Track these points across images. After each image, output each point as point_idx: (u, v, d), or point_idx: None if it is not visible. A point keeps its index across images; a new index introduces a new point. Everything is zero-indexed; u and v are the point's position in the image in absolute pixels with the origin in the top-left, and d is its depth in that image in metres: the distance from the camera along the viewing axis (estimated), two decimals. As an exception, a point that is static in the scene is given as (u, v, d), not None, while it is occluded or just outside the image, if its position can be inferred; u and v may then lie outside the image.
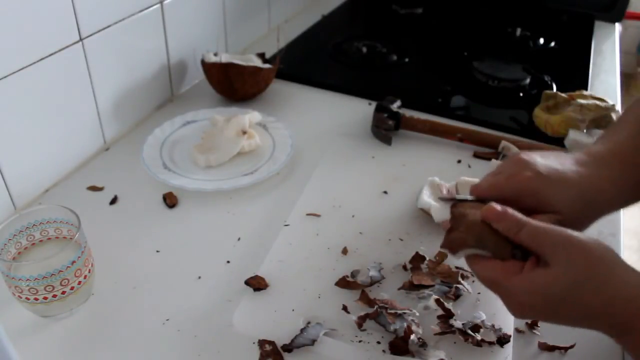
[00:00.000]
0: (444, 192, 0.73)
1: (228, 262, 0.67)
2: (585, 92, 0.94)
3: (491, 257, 0.48)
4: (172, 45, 0.95)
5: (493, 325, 0.58)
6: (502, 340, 0.56)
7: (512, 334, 0.57)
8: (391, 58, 1.17)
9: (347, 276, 0.64)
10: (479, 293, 0.62)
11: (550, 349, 0.57)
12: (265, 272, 0.64)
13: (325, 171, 0.82)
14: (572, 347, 0.57)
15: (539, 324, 0.59)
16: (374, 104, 0.93)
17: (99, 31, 0.78)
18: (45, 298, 0.55)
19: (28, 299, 0.55)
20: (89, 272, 0.58)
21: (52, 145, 0.76)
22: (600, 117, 0.88)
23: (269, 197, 0.77)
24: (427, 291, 0.62)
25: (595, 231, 0.72)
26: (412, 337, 0.55)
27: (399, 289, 0.62)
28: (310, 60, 1.17)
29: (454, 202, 0.53)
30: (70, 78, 0.76)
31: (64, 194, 0.77)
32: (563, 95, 0.93)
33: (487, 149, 0.88)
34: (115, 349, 0.56)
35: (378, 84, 1.08)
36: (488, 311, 0.59)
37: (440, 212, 0.69)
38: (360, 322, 0.58)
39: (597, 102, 0.90)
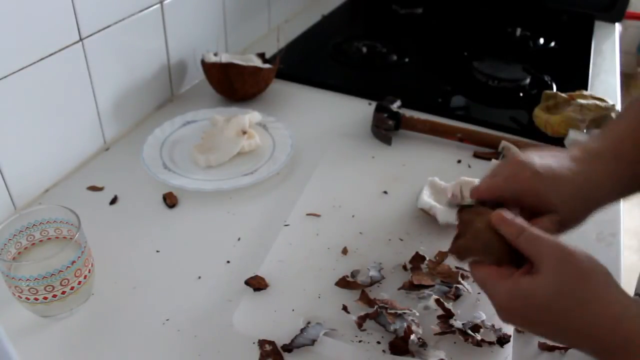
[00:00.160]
0: (449, 196, 0.73)
1: (228, 262, 0.67)
2: (585, 92, 0.94)
3: (494, 262, 0.48)
4: (172, 45, 0.95)
5: (493, 325, 0.58)
6: (502, 340, 0.56)
7: (512, 334, 0.57)
8: (391, 58, 1.17)
9: (347, 276, 0.64)
10: (479, 293, 0.62)
11: (550, 349, 0.57)
12: (265, 272, 0.64)
13: (325, 171, 0.82)
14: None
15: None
16: (374, 104, 0.93)
17: (99, 31, 0.78)
18: (45, 298, 0.55)
19: (28, 299, 0.55)
20: (89, 272, 0.58)
21: (52, 145, 0.76)
22: (600, 117, 0.88)
23: (269, 197, 0.77)
24: (427, 291, 0.62)
25: (595, 231, 0.72)
26: (412, 337, 0.55)
27: (399, 289, 0.62)
28: (310, 60, 1.17)
29: (460, 208, 0.53)
30: (70, 78, 0.76)
31: (64, 194, 0.77)
32: (563, 95, 0.93)
33: (487, 149, 0.88)
34: (115, 349, 0.56)
35: (378, 84, 1.08)
36: (488, 311, 0.59)
37: (446, 215, 0.69)
38: (360, 322, 0.58)
39: (597, 102, 0.90)
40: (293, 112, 0.97)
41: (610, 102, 0.90)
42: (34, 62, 0.69)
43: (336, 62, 1.16)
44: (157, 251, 0.68)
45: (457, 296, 0.61)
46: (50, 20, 0.70)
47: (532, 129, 0.93)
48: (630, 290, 0.62)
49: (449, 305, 0.59)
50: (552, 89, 1.04)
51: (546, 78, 1.08)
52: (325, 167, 0.83)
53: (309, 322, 0.58)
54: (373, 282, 0.63)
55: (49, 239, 0.61)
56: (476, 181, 0.68)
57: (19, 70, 0.67)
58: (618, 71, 1.20)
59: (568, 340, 0.45)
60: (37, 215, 0.60)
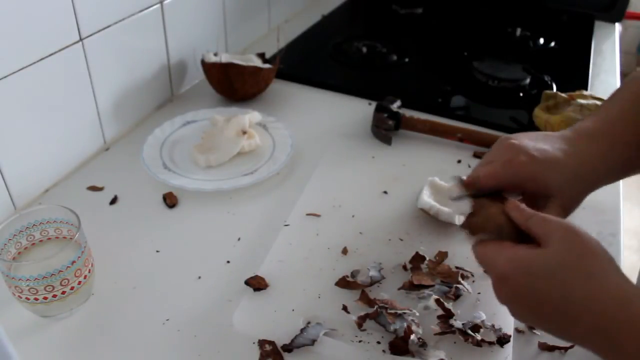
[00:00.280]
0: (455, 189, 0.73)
1: (228, 262, 0.67)
2: (585, 92, 0.94)
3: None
4: (172, 45, 0.95)
5: (493, 325, 0.58)
6: (502, 340, 0.56)
7: (512, 334, 0.57)
8: (391, 58, 1.17)
9: (347, 276, 0.64)
10: (479, 293, 0.62)
11: (550, 349, 0.57)
12: (265, 272, 0.64)
13: (325, 171, 0.82)
14: (572, 347, 0.56)
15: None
16: (374, 104, 0.93)
17: (99, 31, 0.78)
18: (45, 298, 0.55)
19: (28, 299, 0.55)
20: (89, 272, 0.58)
21: (52, 145, 0.76)
22: (600, 117, 0.88)
23: (269, 197, 0.77)
24: (427, 291, 0.62)
25: (595, 231, 0.72)
26: (412, 337, 0.55)
27: (399, 289, 0.62)
28: (310, 60, 1.17)
29: (472, 194, 0.53)
30: (70, 78, 0.76)
31: (64, 194, 0.77)
32: (563, 95, 0.93)
33: (487, 149, 0.87)
34: (115, 349, 0.56)
35: (378, 84, 1.08)
36: (488, 311, 0.59)
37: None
38: (360, 322, 0.58)
39: (597, 102, 0.90)
40: (293, 112, 0.97)
41: (610, 102, 0.90)
42: (34, 62, 0.69)
43: (336, 62, 1.16)
44: (157, 251, 0.68)
45: (457, 296, 0.61)
46: (50, 20, 0.70)
47: (532, 129, 0.92)
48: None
49: (449, 305, 0.59)
50: (552, 89, 1.04)
51: (546, 78, 1.08)
52: (325, 167, 0.83)
53: (309, 322, 0.58)
54: (373, 282, 0.63)
55: (49, 239, 0.61)
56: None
57: (19, 70, 0.67)
58: (618, 71, 1.20)
59: (566, 318, 0.42)
60: (37, 215, 0.60)
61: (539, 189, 0.51)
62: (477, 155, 0.87)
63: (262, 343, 0.56)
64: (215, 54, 0.97)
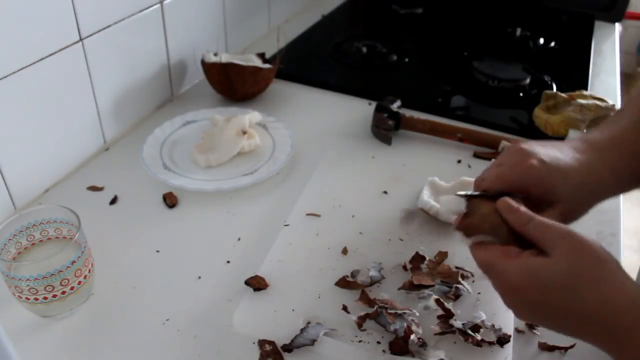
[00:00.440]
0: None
1: (228, 262, 0.67)
2: (585, 92, 0.94)
3: (500, 243, 0.48)
4: (172, 45, 0.95)
5: (493, 325, 0.58)
6: (502, 340, 0.56)
7: (512, 334, 0.57)
8: (391, 58, 1.17)
9: (347, 276, 0.64)
10: (479, 293, 0.62)
11: (550, 349, 0.57)
12: (265, 272, 0.64)
13: (325, 171, 0.82)
14: (572, 347, 0.56)
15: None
16: (374, 104, 0.93)
17: (99, 31, 0.78)
18: (45, 298, 0.55)
19: (28, 299, 0.55)
20: (89, 272, 0.58)
21: (52, 145, 0.76)
22: (600, 117, 0.88)
23: (269, 197, 0.77)
24: (427, 291, 0.61)
25: (595, 231, 0.72)
26: (412, 337, 0.55)
27: (399, 289, 0.62)
28: (310, 60, 1.17)
29: (469, 196, 0.54)
30: (70, 78, 0.76)
31: (64, 194, 0.77)
32: (563, 95, 0.93)
33: (487, 149, 0.88)
34: (115, 349, 0.56)
35: (378, 84, 1.08)
36: (488, 311, 0.59)
37: (449, 205, 0.69)
38: (360, 322, 0.58)
39: (597, 102, 0.90)
40: (293, 112, 0.97)
41: (610, 102, 0.90)
42: (34, 62, 0.69)
43: (336, 62, 1.16)
44: (157, 251, 0.68)
45: (457, 296, 0.61)
46: (50, 20, 0.70)
47: (532, 129, 0.93)
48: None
49: (449, 305, 0.59)
50: (552, 89, 1.04)
51: (546, 78, 1.08)
52: (325, 167, 0.83)
53: (309, 322, 0.58)
54: (373, 282, 0.63)
55: (49, 239, 0.61)
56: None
57: (19, 70, 0.67)
58: (618, 71, 1.20)
59: (575, 323, 0.44)
60: (37, 215, 0.60)
61: (545, 194, 0.50)
62: (477, 155, 0.87)
63: (262, 343, 0.56)
64: (215, 54, 0.97)
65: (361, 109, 0.98)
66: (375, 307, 0.59)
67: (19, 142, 0.71)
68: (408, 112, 0.93)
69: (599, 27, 1.37)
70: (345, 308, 0.60)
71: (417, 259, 0.65)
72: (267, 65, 0.96)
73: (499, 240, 0.49)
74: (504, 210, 0.48)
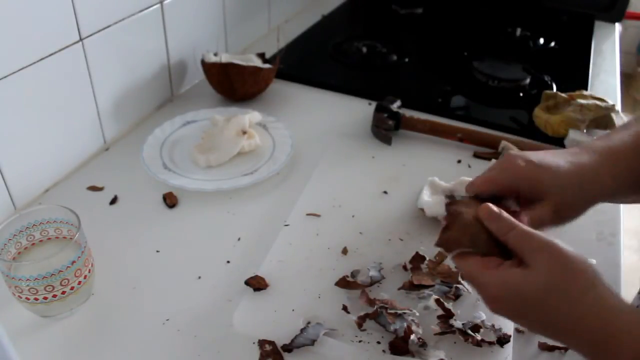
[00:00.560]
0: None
1: (228, 262, 0.67)
2: (585, 92, 0.94)
3: (480, 254, 0.48)
4: (172, 45, 0.95)
5: (493, 325, 0.58)
6: (502, 340, 0.56)
7: (512, 334, 0.57)
8: (391, 58, 1.17)
9: (347, 276, 0.64)
10: (479, 293, 0.62)
11: (550, 349, 0.57)
12: (265, 272, 0.64)
13: (325, 171, 0.82)
14: (572, 347, 0.56)
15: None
16: (374, 104, 0.93)
17: (99, 31, 0.78)
18: (45, 298, 0.55)
19: (28, 299, 0.55)
20: (89, 272, 0.58)
21: (52, 145, 0.76)
22: (600, 117, 0.88)
23: (269, 197, 0.77)
24: (427, 291, 0.62)
25: (595, 231, 0.72)
26: (412, 337, 0.55)
27: (399, 289, 0.62)
28: (310, 60, 1.17)
29: (451, 200, 0.54)
30: (70, 78, 0.76)
31: (64, 194, 0.77)
32: (563, 95, 0.93)
33: (487, 149, 0.88)
34: (115, 349, 0.56)
35: (378, 84, 1.08)
36: (488, 311, 0.59)
37: (434, 208, 0.69)
38: (360, 322, 0.58)
39: (597, 102, 0.90)
40: (293, 112, 0.97)
41: (610, 102, 0.90)
42: (34, 62, 0.69)
43: (336, 62, 1.16)
44: (157, 251, 0.68)
45: (457, 296, 0.61)
46: (50, 20, 0.70)
47: (532, 129, 0.93)
48: (634, 289, 0.62)
49: (449, 305, 0.59)
50: (552, 89, 1.04)
51: (546, 78, 1.08)
52: (325, 167, 0.83)
53: (309, 322, 0.58)
54: (373, 282, 0.63)
55: (49, 239, 0.61)
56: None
57: (19, 70, 0.67)
58: (618, 71, 1.20)
59: (552, 334, 0.45)
60: (37, 215, 0.60)
61: (533, 187, 0.51)
62: (477, 155, 0.87)
63: (262, 343, 0.56)
64: (215, 54, 0.97)
65: (361, 109, 0.98)
66: (375, 307, 0.59)
67: (19, 142, 0.71)
68: (408, 112, 0.93)
69: (599, 27, 1.37)
70: (345, 308, 0.60)
71: (417, 259, 0.65)
72: (267, 65, 0.96)
73: (480, 251, 0.48)
74: (485, 217, 0.48)
